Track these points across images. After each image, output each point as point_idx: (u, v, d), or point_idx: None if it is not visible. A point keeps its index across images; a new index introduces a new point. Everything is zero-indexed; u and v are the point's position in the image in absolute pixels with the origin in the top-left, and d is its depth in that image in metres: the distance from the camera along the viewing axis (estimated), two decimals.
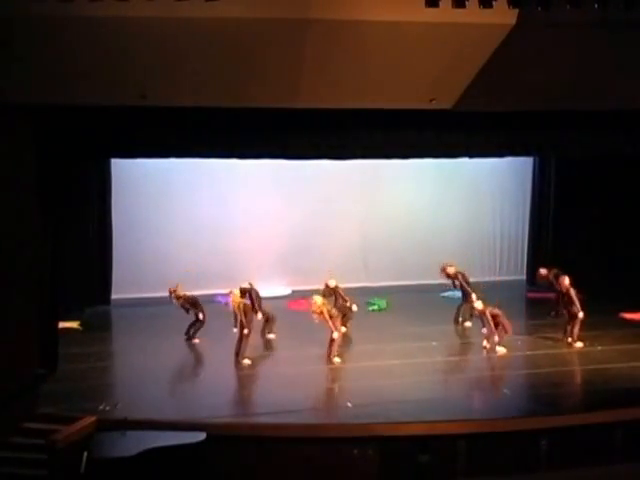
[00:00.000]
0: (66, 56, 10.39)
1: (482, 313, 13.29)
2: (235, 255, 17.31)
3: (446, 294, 16.32)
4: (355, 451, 10.18)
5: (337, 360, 12.72)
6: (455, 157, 15.68)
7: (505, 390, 11.55)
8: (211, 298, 16.36)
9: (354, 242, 18.09)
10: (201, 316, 14.15)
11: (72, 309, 15.16)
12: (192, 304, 14.28)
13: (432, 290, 15.80)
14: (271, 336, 14.30)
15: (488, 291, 16.13)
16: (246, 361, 12.68)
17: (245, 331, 12.86)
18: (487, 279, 18.07)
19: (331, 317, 12.71)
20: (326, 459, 10.15)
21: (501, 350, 13.05)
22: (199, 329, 14.17)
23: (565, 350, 13.36)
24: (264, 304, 14.70)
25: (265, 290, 16.32)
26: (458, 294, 15.54)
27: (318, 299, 12.81)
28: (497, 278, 18.54)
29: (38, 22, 9.71)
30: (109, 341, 14.74)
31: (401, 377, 12.06)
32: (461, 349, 13.84)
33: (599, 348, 13.38)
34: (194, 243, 17.13)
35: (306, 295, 16.66)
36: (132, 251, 16.83)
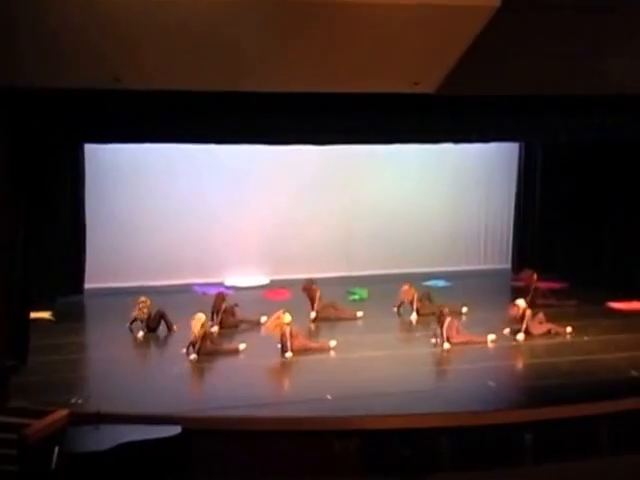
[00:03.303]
0: (35, 38, 10.27)
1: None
2: (212, 243, 17.26)
3: (429, 283, 16.30)
4: (335, 445, 10.17)
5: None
6: (439, 143, 15.68)
7: (490, 382, 11.56)
8: (187, 288, 16.35)
9: (335, 230, 18.05)
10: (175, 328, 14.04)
11: (44, 298, 15.02)
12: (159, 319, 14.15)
13: (415, 279, 15.79)
14: None
15: (473, 280, 16.27)
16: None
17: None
18: (471, 267, 18.18)
19: (291, 336, 12.71)
20: (305, 454, 10.14)
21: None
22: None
23: (552, 341, 13.42)
24: (243, 292, 14.72)
25: (242, 279, 16.32)
26: (441, 283, 15.58)
27: (287, 317, 12.79)
28: (482, 267, 18.60)
29: (4, 3, 9.58)
30: (82, 332, 14.64)
31: (383, 369, 12.06)
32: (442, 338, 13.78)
33: (585, 339, 13.44)
34: (169, 231, 17.04)
35: (284, 285, 16.75)
36: (106, 239, 16.73)
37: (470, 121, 14.47)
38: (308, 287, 14.89)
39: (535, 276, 15.46)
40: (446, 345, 12.98)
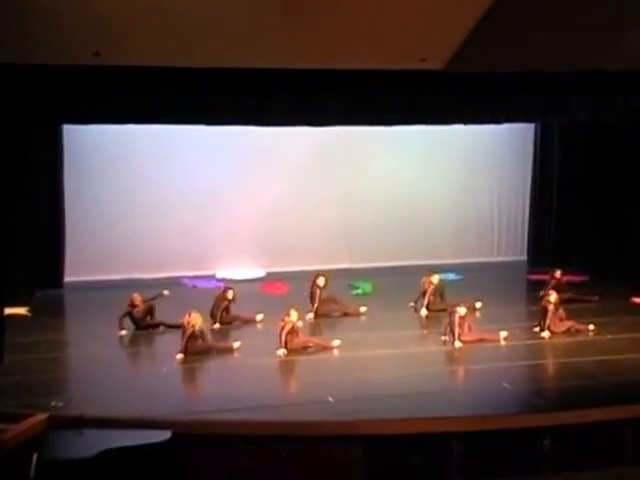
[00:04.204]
0: (9, 11, 10.22)
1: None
2: (203, 232, 17.28)
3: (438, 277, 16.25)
4: (337, 451, 10.16)
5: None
6: (448, 124, 15.67)
7: (504, 384, 11.55)
8: (177, 281, 16.35)
9: (335, 219, 18.07)
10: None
11: (20, 293, 15.05)
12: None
13: (422, 272, 15.77)
14: None
15: (485, 273, 16.22)
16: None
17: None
18: (483, 259, 18.20)
19: (291, 333, 12.68)
20: (305, 460, 10.11)
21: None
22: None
23: (572, 339, 13.40)
24: (236, 285, 14.68)
25: (237, 272, 16.31)
26: (452, 276, 15.57)
27: (293, 315, 12.75)
28: (495, 259, 18.62)
29: None
30: (62, 329, 14.62)
31: (388, 369, 12.03)
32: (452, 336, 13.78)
33: (608, 337, 13.42)
34: (157, 220, 17.08)
35: (282, 277, 16.75)
36: (88, 228, 16.74)
37: (481, 100, 14.46)
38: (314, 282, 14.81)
39: (559, 273, 15.38)
40: (457, 344, 12.97)
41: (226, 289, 14.39)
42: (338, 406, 10.72)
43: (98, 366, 12.30)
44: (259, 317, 14.21)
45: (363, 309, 14.85)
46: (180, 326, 12.90)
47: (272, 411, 10.64)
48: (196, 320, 12.67)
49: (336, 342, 12.98)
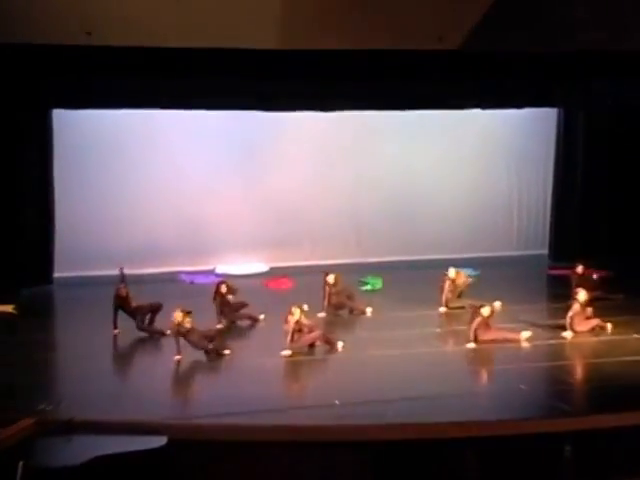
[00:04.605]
0: None
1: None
2: (201, 225, 17.33)
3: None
4: (345, 459, 10.17)
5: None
6: (464, 109, 15.66)
7: (522, 386, 11.56)
8: (174, 276, 16.38)
9: (343, 210, 18.11)
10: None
11: (6, 289, 15.07)
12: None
13: (436, 267, 15.79)
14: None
15: (503, 268, 16.17)
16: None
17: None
18: (502, 253, 18.19)
19: (299, 330, 12.69)
20: (309, 467, 10.13)
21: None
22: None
23: (596, 339, 13.40)
24: (238, 281, 14.67)
25: (236, 267, 16.33)
26: (468, 272, 15.56)
27: (296, 312, 12.75)
28: (514, 253, 18.62)
29: None
30: (51, 328, 14.71)
31: (398, 370, 12.07)
32: (469, 337, 13.81)
33: (635, 336, 13.42)
34: (152, 211, 17.13)
35: (286, 272, 16.76)
36: (78, 221, 16.79)
37: (500, 83, 14.46)
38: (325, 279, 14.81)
39: (580, 268, 15.36)
40: (471, 345, 12.98)
41: (219, 284, 14.33)
42: (345, 410, 10.73)
43: (89, 367, 12.30)
44: (261, 317, 14.21)
45: (369, 310, 14.80)
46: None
47: (275, 415, 10.64)
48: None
49: (340, 344, 12.97)
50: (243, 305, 14.35)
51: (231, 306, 14.27)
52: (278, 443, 10.13)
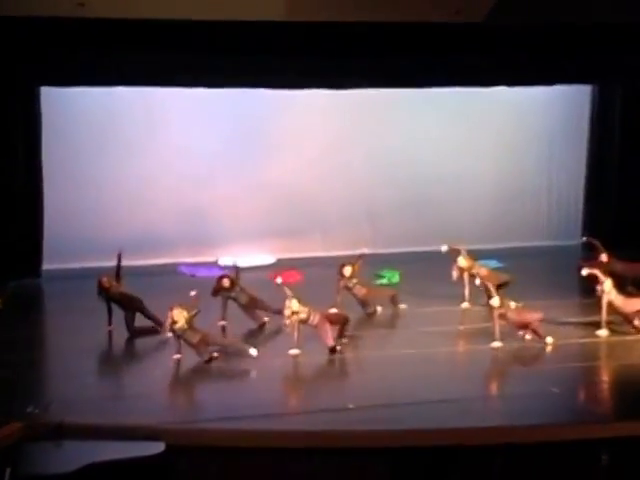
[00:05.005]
0: None
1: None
2: (203, 212, 17.30)
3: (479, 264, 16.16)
4: (358, 467, 10.16)
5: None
6: (489, 86, 15.59)
7: (553, 388, 11.52)
8: (173, 269, 16.38)
9: (357, 197, 18.09)
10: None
11: None
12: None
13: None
14: None
15: (532, 260, 16.10)
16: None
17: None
18: (530, 244, 18.12)
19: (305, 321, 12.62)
20: (322, 476, 10.13)
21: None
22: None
23: (632, 337, 13.34)
24: (242, 274, 14.61)
25: (241, 258, 16.27)
26: (492, 264, 15.54)
27: (295, 304, 12.65)
28: (544, 243, 18.56)
29: None
30: (39, 324, 14.71)
31: (418, 371, 12.02)
32: (493, 335, 13.76)
33: None
34: (149, 198, 17.11)
35: (295, 265, 16.72)
36: (68, 209, 16.77)
37: (527, 58, 14.38)
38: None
39: (605, 256, 15.26)
40: (497, 343, 12.94)
41: (221, 277, 14.23)
42: (360, 414, 10.69)
43: (81, 366, 12.28)
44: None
45: (379, 309, 14.73)
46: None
47: (283, 420, 10.67)
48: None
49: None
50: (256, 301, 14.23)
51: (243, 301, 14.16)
52: (286, 450, 10.12)
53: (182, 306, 12.34)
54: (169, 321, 12.35)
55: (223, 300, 14.03)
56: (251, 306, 14.05)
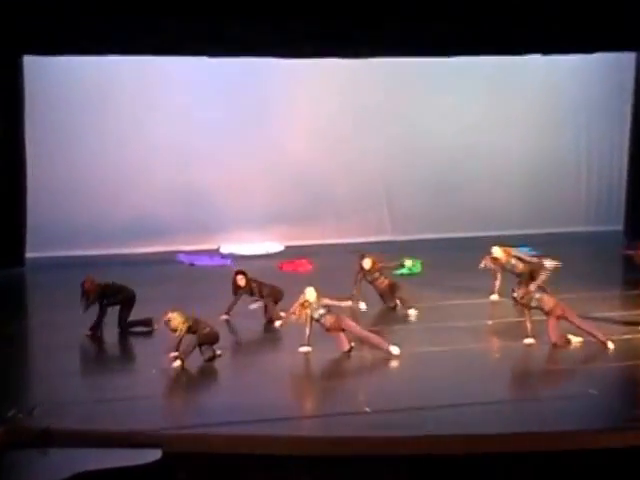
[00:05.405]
0: None
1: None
2: (204, 196, 17.33)
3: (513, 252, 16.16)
4: (376, 476, 10.19)
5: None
6: (521, 54, 15.53)
7: (591, 390, 11.54)
8: (171, 257, 16.40)
9: (374, 178, 18.12)
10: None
11: None
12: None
13: (486, 246, 15.75)
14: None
15: (569, 247, 16.05)
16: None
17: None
18: (567, 229, 18.10)
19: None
20: None
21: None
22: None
23: None
24: (247, 263, 14.64)
25: (245, 246, 16.33)
26: (525, 250, 15.51)
27: (311, 294, 12.66)
28: (582, 229, 18.54)
29: None
30: (22, 318, 14.76)
31: (442, 371, 12.05)
32: (525, 331, 13.77)
33: None
34: (143, 179, 17.13)
35: (305, 253, 16.73)
36: (54, 191, 16.84)
37: (563, 23, 14.32)
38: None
39: None
40: (529, 340, 12.95)
41: (235, 274, 14.13)
42: (378, 419, 10.71)
43: (68, 366, 12.36)
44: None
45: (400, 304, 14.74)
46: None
47: (292, 425, 10.68)
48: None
49: (395, 350, 12.85)
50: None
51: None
52: (296, 458, 10.14)
53: (178, 311, 12.37)
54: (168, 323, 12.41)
55: (238, 296, 14.09)
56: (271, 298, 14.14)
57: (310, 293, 12.66)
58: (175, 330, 12.17)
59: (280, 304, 13.92)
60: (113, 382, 12.27)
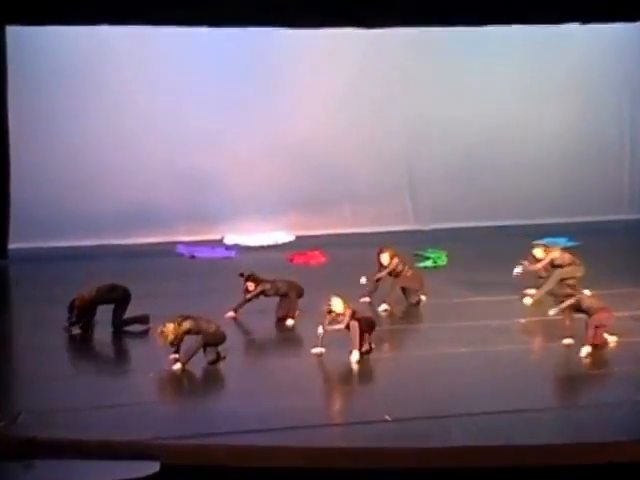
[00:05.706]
0: None
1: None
2: (206, 182, 17.31)
3: (542, 242, 16.06)
4: None
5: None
6: (556, 23, 15.49)
7: (637, 397, 11.44)
8: (169, 248, 16.40)
9: (394, 162, 18.09)
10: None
11: None
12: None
13: (516, 235, 15.69)
14: None
15: (610, 237, 16.05)
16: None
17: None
18: (607, 218, 18.06)
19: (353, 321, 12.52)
20: None
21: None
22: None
23: None
24: (253, 255, 14.59)
25: (250, 237, 16.29)
26: (563, 242, 15.50)
27: (338, 305, 12.53)
28: (624, 217, 18.52)
29: None
30: (4, 315, 14.76)
31: (471, 375, 12.00)
32: (564, 330, 13.69)
33: None
34: (139, 163, 17.13)
35: (317, 244, 16.68)
36: (41, 176, 16.81)
37: None
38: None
39: None
40: (568, 340, 12.87)
41: (245, 281, 13.92)
42: (398, 428, 10.66)
43: (56, 369, 12.28)
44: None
45: (423, 298, 14.60)
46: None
47: (304, 434, 10.60)
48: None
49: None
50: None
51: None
52: (308, 471, 10.07)
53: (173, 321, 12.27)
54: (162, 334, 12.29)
55: (251, 298, 13.96)
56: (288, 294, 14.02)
57: (337, 304, 12.54)
58: (172, 343, 12.11)
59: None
60: (106, 386, 12.25)
